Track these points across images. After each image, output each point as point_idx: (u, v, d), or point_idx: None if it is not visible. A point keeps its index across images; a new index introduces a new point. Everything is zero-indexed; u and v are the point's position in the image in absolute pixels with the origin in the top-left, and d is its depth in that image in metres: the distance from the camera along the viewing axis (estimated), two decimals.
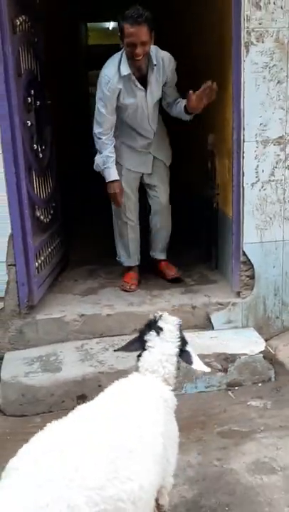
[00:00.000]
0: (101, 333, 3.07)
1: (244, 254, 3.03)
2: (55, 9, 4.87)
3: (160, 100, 3.26)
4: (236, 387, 2.78)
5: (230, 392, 2.74)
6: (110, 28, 10.32)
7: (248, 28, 2.74)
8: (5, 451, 2.34)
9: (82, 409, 1.51)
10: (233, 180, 2.96)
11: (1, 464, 2.28)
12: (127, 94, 3.05)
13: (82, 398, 2.67)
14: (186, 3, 3.98)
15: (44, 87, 3.50)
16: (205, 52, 3.50)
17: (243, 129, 2.85)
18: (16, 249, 2.86)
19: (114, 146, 3.17)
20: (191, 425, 2.46)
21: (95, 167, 3.24)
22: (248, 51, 2.76)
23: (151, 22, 2.84)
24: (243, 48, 2.76)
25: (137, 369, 1.72)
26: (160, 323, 1.72)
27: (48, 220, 3.51)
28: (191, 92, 2.95)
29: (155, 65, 3.01)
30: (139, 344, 1.74)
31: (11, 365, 2.80)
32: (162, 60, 3.04)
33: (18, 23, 2.95)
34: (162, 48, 3.09)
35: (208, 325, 3.13)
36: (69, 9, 6.40)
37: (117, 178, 3.19)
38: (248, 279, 3.09)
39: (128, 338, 2.96)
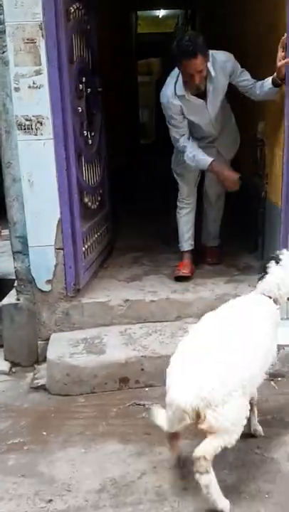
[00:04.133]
0: (144, 319, 3.10)
1: None
2: None
3: (229, 97, 3.26)
4: (279, 378, 2.75)
5: (272, 383, 2.72)
6: (160, 16, 10.26)
7: None
8: (50, 428, 2.46)
9: (219, 315, 2.09)
10: (283, 168, 2.90)
11: (48, 439, 2.39)
12: (188, 109, 3.16)
13: (125, 381, 2.73)
14: None
15: (95, 74, 3.54)
16: (256, 35, 3.44)
17: None
18: (65, 233, 2.92)
19: None
20: None
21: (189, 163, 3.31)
22: None
23: (204, 48, 2.92)
24: None
25: (258, 289, 2.20)
26: (280, 256, 2.21)
27: (95, 206, 3.57)
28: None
29: (214, 76, 3.06)
30: (263, 270, 2.22)
31: (56, 346, 2.88)
32: (221, 66, 3.06)
33: (72, 10, 2.99)
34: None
35: None
36: None
37: (211, 158, 3.23)
38: None
39: (171, 325, 3.06)
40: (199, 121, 3.24)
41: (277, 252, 2.26)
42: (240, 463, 2.12)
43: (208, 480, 1.77)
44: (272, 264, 2.17)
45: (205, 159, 3.21)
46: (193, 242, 3.58)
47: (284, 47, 2.76)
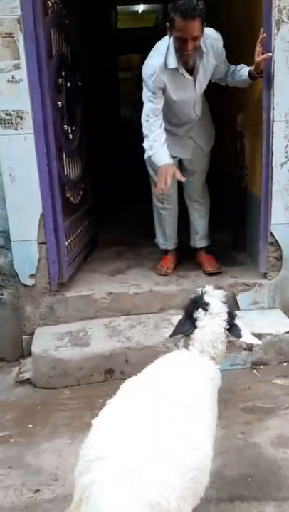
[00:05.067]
0: (128, 311, 3.13)
1: (272, 235, 3.02)
2: None
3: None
4: (261, 366, 2.80)
5: (255, 371, 2.77)
6: (140, 12, 10.23)
7: (279, 5, 2.71)
8: (36, 420, 2.48)
9: (135, 387, 1.54)
10: (262, 160, 2.95)
11: (34, 431, 2.41)
12: (175, 86, 2.91)
13: (110, 372, 2.75)
14: None
15: (75, 69, 3.54)
16: (235, 31, 3.47)
17: (273, 108, 2.83)
18: (47, 227, 2.93)
19: None
20: None
21: (145, 157, 3.04)
22: (278, 29, 2.73)
23: (204, 15, 2.66)
24: (273, 26, 2.73)
25: (186, 346, 1.72)
26: (206, 299, 1.71)
27: (77, 200, 3.58)
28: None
29: (204, 52, 2.86)
30: (189, 324, 1.72)
31: (41, 340, 2.89)
32: (212, 44, 2.88)
33: (50, 4, 2.99)
34: None
35: (234, 306, 3.15)
36: None
37: (169, 161, 2.89)
38: (275, 260, 3.09)
39: (155, 316, 3.10)
40: (183, 102, 3.01)
41: (201, 290, 1.76)
42: (224, 449, 2.17)
43: None
44: (200, 313, 1.69)
45: (164, 156, 2.86)
46: (177, 240, 3.49)
47: (262, 42, 2.79)
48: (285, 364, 2.81)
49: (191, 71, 2.91)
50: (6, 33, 2.67)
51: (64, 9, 3.30)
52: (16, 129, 2.77)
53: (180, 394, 1.51)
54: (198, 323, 1.69)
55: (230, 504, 1.86)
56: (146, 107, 2.93)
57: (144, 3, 9.69)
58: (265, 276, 3.13)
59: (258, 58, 2.79)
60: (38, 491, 1.99)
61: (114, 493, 1.19)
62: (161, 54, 2.84)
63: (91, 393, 2.65)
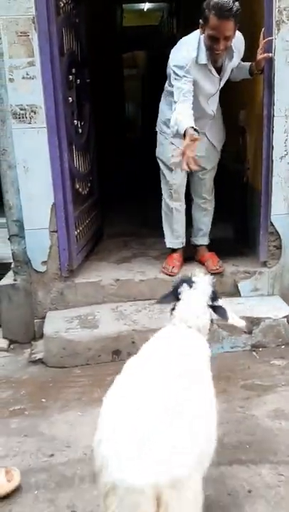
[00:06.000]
0: (134, 297, 3.29)
1: (272, 225, 3.18)
2: None
3: None
4: (260, 349, 2.97)
5: (254, 353, 2.94)
6: (145, 10, 10.37)
7: (279, 7, 2.86)
8: (49, 396, 2.66)
9: (137, 367, 1.57)
10: (262, 153, 3.10)
11: (47, 405, 2.57)
12: (201, 80, 2.95)
13: (117, 353, 2.92)
14: None
15: (84, 66, 3.70)
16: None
17: (273, 104, 2.99)
18: (58, 217, 3.09)
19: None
20: (216, 379, 2.58)
21: (170, 132, 2.97)
22: (279, 29, 2.88)
23: (239, 16, 2.70)
24: (274, 26, 2.88)
25: (172, 321, 1.79)
26: (193, 279, 1.84)
27: (86, 192, 3.74)
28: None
29: (234, 52, 2.94)
30: (173, 296, 1.82)
31: (53, 322, 3.06)
32: (238, 47, 2.97)
33: (62, 4, 3.15)
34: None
35: (235, 293, 3.31)
36: None
37: (193, 125, 2.67)
38: (274, 249, 3.25)
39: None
40: (203, 97, 3.03)
41: (191, 273, 1.92)
42: (225, 420, 2.32)
43: None
44: (184, 287, 1.80)
45: (187, 123, 2.68)
46: (184, 239, 3.45)
47: (265, 44, 2.92)
48: (282, 346, 2.98)
49: (218, 69, 2.98)
50: (21, 32, 2.83)
51: (74, 9, 3.46)
52: (29, 123, 2.93)
53: (182, 365, 1.55)
54: (182, 296, 1.79)
55: (230, 467, 2.02)
56: (177, 91, 2.85)
57: (149, 2, 9.83)
58: (265, 264, 3.29)
59: (259, 57, 2.94)
60: (52, 455, 2.16)
61: (128, 463, 1.22)
62: (193, 49, 2.85)
63: (99, 372, 2.82)
